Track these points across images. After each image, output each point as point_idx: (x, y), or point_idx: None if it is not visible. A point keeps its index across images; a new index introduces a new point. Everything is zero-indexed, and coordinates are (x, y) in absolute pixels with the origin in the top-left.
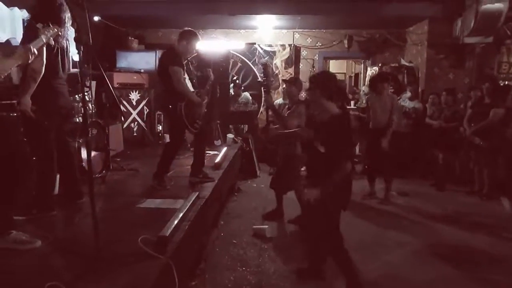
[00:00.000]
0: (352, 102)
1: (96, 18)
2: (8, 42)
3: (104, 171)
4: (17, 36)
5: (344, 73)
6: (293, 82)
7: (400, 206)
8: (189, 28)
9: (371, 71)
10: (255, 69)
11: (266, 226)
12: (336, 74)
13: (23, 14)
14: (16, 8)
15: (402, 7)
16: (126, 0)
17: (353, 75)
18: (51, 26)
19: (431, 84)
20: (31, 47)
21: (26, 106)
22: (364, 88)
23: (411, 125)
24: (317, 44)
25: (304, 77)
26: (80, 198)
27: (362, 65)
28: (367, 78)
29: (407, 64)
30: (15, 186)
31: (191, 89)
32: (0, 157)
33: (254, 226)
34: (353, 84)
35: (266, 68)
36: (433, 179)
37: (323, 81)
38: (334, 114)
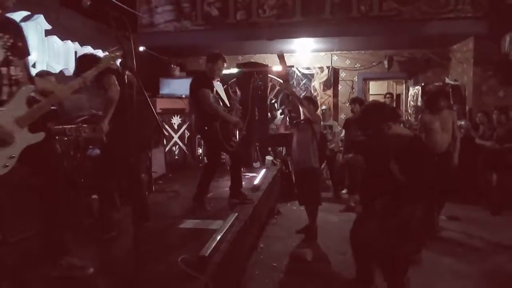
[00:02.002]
0: None
1: (141, 49)
2: (61, 72)
3: (146, 193)
4: (70, 67)
5: (384, 94)
6: (312, 100)
7: (452, 232)
8: (215, 51)
9: (414, 91)
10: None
11: (307, 250)
12: (376, 96)
13: (75, 46)
14: (69, 41)
15: (445, 25)
16: (168, 31)
17: (394, 96)
18: (115, 51)
19: (479, 102)
20: (86, 76)
21: (103, 131)
22: (411, 108)
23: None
24: (356, 66)
25: (343, 98)
26: (147, 221)
27: (404, 85)
28: (411, 98)
29: (452, 82)
30: (63, 210)
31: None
32: (47, 182)
33: (295, 250)
34: (394, 105)
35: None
36: (487, 203)
37: (377, 110)
38: (410, 136)
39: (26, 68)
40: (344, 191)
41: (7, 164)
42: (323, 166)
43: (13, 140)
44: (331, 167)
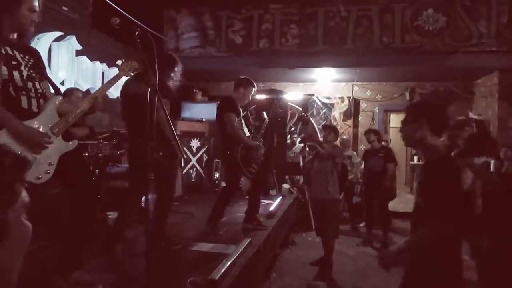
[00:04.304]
0: (416, 158)
1: None
2: (88, 91)
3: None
4: (96, 86)
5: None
6: (332, 129)
7: None
8: (245, 76)
9: None
10: (313, 121)
11: (321, 283)
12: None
13: (103, 67)
14: (97, 62)
15: (469, 58)
16: (192, 56)
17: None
18: (130, 61)
19: (504, 138)
20: (99, 91)
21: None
22: None
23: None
24: (377, 97)
25: (363, 129)
26: (162, 241)
27: None
28: None
29: (476, 117)
30: (84, 226)
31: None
32: (78, 191)
33: (309, 282)
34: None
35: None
36: None
37: (435, 110)
38: (445, 154)
39: (51, 83)
40: (361, 224)
41: (48, 171)
42: (341, 197)
43: (48, 138)
44: (349, 198)
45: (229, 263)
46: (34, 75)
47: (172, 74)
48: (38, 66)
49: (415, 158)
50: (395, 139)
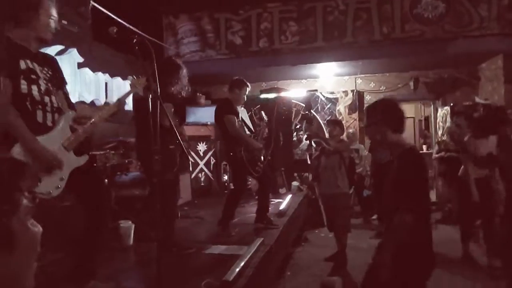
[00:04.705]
0: (424, 147)
1: None
2: (92, 103)
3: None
4: (100, 98)
5: (413, 117)
6: (337, 123)
7: None
8: (239, 77)
9: (443, 112)
10: (318, 117)
11: (337, 278)
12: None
13: (106, 77)
14: (100, 73)
15: (471, 43)
16: (194, 61)
17: (422, 118)
18: (140, 77)
19: None
20: (121, 99)
21: None
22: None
23: None
24: (381, 88)
25: None
26: (173, 246)
27: (432, 107)
28: (440, 119)
29: (483, 102)
30: (97, 236)
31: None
32: (91, 205)
33: (323, 278)
34: (423, 128)
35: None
36: None
37: (388, 110)
38: (407, 148)
39: (66, 97)
40: (374, 217)
41: (59, 186)
42: (351, 191)
43: (61, 164)
44: (359, 192)
45: (242, 263)
46: (51, 88)
47: (176, 80)
48: (55, 77)
49: (424, 147)
50: None
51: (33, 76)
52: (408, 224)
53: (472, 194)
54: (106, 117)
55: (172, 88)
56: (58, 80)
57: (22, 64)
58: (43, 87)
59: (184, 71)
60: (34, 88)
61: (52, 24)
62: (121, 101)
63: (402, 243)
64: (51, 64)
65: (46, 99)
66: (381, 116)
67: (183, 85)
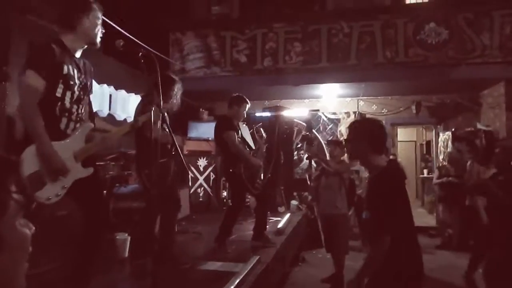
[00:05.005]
0: (425, 171)
1: None
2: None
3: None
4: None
5: (415, 141)
6: (338, 143)
7: None
8: (238, 94)
9: (444, 136)
10: (319, 137)
11: None
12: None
13: (111, 90)
14: (105, 85)
15: (474, 70)
16: (198, 77)
17: (424, 142)
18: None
19: None
20: (139, 120)
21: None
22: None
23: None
24: (383, 111)
25: None
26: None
27: (434, 131)
28: (441, 144)
29: (484, 128)
30: (99, 244)
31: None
32: (90, 215)
33: None
34: (425, 152)
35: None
36: None
37: (370, 129)
38: (383, 168)
39: (90, 105)
40: None
41: (59, 194)
42: (350, 212)
43: (68, 173)
44: (359, 213)
45: (237, 281)
46: (82, 96)
47: (170, 95)
48: (87, 85)
49: (425, 171)
50: (403, 152)
51: (71, 82)
52: (385, 246)
53: (481, 219)
54: (120, 136)
55: (166, 103)
56: (88, 88)
57: (65, 69)
58: (75, 95)
59: (179, 86)
60: (68, 94)
61: (100, 28)
62: (136, 122)
63: (381, 264)
64: (87, 70)
65: (74, 108)
66: (364, 134)
67: (176, 100)
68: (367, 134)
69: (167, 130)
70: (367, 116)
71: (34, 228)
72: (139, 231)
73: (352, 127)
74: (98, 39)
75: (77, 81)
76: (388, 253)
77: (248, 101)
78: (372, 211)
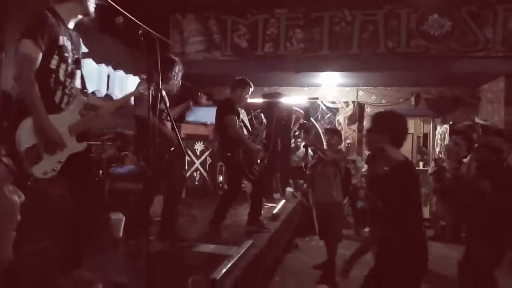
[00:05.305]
0: (421, 164)
1: None
2: (93, 93)
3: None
4: (101, 89)
5: (412, 133)
6: (335, 132)
7: None
8: (242, 77)
9: (442, 129)
10: (317, 125)
11: (324, 286)
12: None
13: (109, 70)
14: (103, 65)
15: (475, 63)
16: (198, 60)
17: (421, 135)
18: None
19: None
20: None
21: None
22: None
23: None
24: (382, 101)
25: None
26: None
27: (431, 124)
28: (438, 137)
29: (482, 122)
30: (92, 222)
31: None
32: (82, 192)
33: (316, 285)
34: (421, 144)
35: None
36: None
37: (393, 122)
38: (400, 161)
39: (82, 79)
40: (366, 229)
41: (55, 168)
42: (345, 201)
43: (65, 146)
44: (353, 203)
45: (230, 263)
46: (75, 70)
47: (170, 76)
48: (79, 59)
49: (421, 164)
50: None
51: (66, 54)
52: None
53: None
54: (112, 111)
55: (165, 84)
56: (79, 61)
57: (60, 40)
58: (69, 67)
59: (179, 67)
60: (63, 66)
61: None
62: (128, 98)
63: (400, 251)
64: (78, 42)
65: (68, 81)
66: (386, 126)
67: (177, 82)
68: (389, 127)
69: (165, 111)
70: (366, 105)
71: (23, 196)
72: (135, 211)
73: (375, 118)
74: (92, 9)
75: (70, 53)
76: (402, 243)
77: (252, 85)
78: (391, 201)
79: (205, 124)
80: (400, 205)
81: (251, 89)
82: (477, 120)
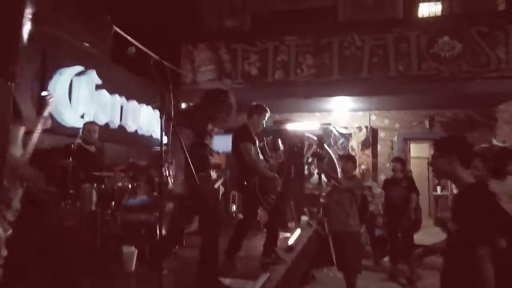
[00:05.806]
0: (439, 188)
1: (183, 105)
2: (106, 125)
3: (176, 247)
4: (115, 120)
5: (427, 158)
6: (350, 158)
7: None
8: (258, 103)
9: None
10: (330, 151)
11: None
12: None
13: (122, 100)
14: (117, 95)
15: (488, 84)
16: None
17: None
18: None
19: None
20: None
21: None
22: None
23: None
24: (395, 126)
25: (382, 159)
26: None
27: None
28: None
29: (500, 144)
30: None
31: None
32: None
33: None
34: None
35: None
36: None
37: (459, 144)
38: (476, 184)
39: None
40: (385, 259)
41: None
42: (362, 229)
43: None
44: (371, 231)
45: None
46: None
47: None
48: None
49: (438, 188)
50: (415, 168)
51: None
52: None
53: None
54: None
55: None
56: None
57: None
58: None
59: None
60: None
61: None
62: None
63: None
64: None
65: None
66: (453, 149)
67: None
68: (457, 149)
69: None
70: (379, 130)
71: (11, 230)
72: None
73: (440, 142)
74: None
75: None
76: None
77: (268, 110)
78: (470, 225)
79: (217, 153)
80: (483, 225)
81: (268, 115)
82: (494, 142)
